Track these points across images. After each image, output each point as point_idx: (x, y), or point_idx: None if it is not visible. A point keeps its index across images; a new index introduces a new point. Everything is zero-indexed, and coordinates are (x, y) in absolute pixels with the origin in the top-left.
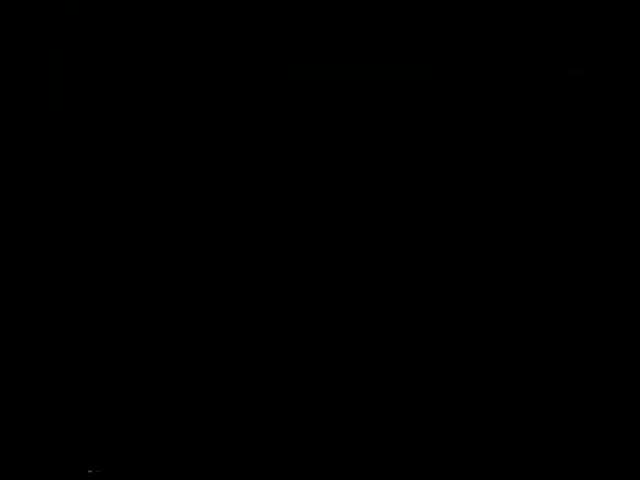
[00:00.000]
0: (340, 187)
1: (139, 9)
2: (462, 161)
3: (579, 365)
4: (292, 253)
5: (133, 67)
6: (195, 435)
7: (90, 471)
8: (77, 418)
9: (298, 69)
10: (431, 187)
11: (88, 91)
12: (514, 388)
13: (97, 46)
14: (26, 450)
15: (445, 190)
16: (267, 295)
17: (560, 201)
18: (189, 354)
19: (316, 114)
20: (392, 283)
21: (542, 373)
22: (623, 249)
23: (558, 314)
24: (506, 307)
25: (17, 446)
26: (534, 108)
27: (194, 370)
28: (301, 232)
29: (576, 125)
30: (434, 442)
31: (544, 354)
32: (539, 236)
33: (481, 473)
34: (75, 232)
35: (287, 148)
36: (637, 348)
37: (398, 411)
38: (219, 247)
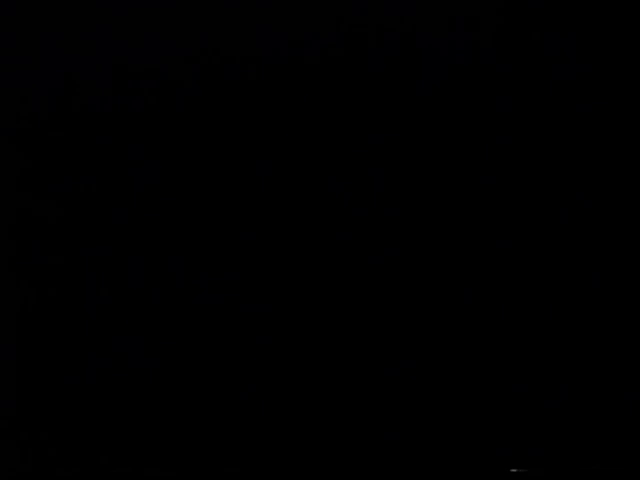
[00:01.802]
0: (339, 187)
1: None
2: (461, 160)
3: (579, 364)
4: (291, 253)
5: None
6: (195, 435)
7: (90, 471)
8: (76, 418)
9: (289, 68)
10: (430, 186)
11: None
12: (514, 387)
13: None
14: (25, 450)
15: (444, 189)
16: (267, 294)
17: (559, 200)
18: (189, 354)
19: (313, 112)
20: (392, 282)
21: (542, 372)
22: (619, 248)
23: (558, 313)
24: (505, 306)
25: (16, 446)
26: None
27: (194, 369)
28: (301, 232)
29: (575, 124)
30: (434, 442)
31: (544, 353)
32: (536, 235)
33: (481, 472)
34: (74, 231)
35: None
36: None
37: (398, 411)
38: (219, 247)
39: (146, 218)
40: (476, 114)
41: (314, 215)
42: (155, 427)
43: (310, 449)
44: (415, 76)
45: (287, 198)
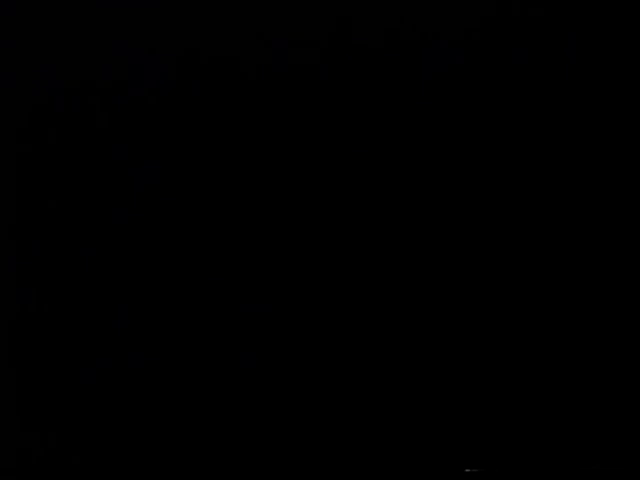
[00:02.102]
0: (337, 186)
1: None
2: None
3: (579, 365)
4: (291, 252)
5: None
6: (196, 435)
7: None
8: (74, 418)
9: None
10: (429, 188)
11: None
12: (514, 388)
13: None
14: (23, 451)
15: (443, 191)
16: (268, 291)
17: (558, 201)
18: (189, 353)
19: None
20: (389, 282)
21: (542, 373)
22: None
23: (558, 313)
24: (504, 306)
25: (14, 447)
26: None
27: (194, 370)
28: (299, 231)
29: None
30: (433, 442)
31: (544, 354)
32: (536, 236)
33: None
34: (74, 231)
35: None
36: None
37: (398, 411)
38: (218, 244)
39: (146, 218)
40: (473, 116)
41: (313, 216)
42: (155, 428)
43: (308, 449)
44: (414, 77)
45: (286, 200)
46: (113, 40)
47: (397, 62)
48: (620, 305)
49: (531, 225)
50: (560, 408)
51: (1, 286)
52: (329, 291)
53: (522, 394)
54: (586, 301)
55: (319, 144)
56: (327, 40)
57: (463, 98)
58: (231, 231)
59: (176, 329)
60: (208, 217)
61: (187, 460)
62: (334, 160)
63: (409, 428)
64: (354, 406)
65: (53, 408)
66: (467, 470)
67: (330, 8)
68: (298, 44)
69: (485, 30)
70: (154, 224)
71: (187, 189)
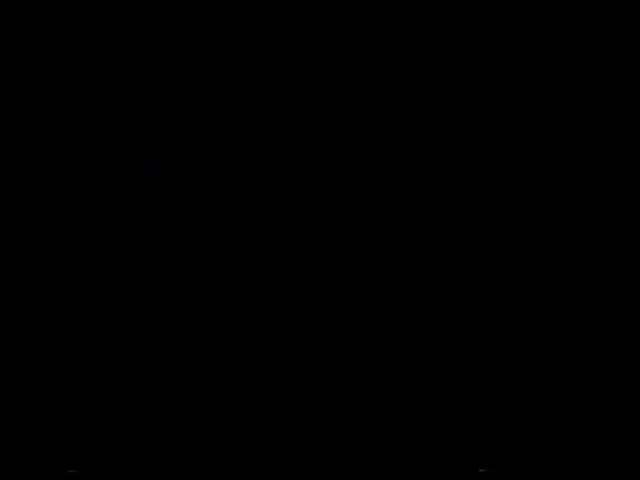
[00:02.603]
0: (337, 186)
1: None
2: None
3: (579, 364)
4: (291, 253)
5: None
6: (196, 435)
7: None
8: (74, 418)
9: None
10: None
11: None
12: (514, 388)
13: None
14: (23, 451)
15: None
16: (268, 290)
17: (558, 201)
18: (189, 353)
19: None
20: (389, 281)
21: (542, 373)
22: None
23: (559, 317)
24: (504, 306)
25: (14, 447)
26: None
27: (194, 369)
28: (299, 232)
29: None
30: (433, 442)
31: (544, 354)
32: (536, 236)
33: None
34: (74, 231)
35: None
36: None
37: (398, 411)
38: (218, 244)
39: (146, 218)
40: (473, 115)
41: (313, 216)
42: (155, 428)
43: (308, 449)
44: (413, 78)
45: (285, 199)
46: (113, 40)
47: (397, 62)
48: (620, 305)
49: (530, 225)
50: (561, 409)
51: (1, 286)
52: (329, 291)
53: (522, 395)
54: (587, 302)
55: (319, 143)
56: (327, 40)
57: (463, 98)
58: (231, 231)
59: (176, 329)
60: (208, 217)
61: (187, 460)
62: (334, 159)
63: (411, 428)
64: (356, 406)
65: (53, 408)
66: (481, 470)
67: (330, 8)
68: (298, 44)
69: (485, 30)
70: (154, 224)
71: (187, 189)
